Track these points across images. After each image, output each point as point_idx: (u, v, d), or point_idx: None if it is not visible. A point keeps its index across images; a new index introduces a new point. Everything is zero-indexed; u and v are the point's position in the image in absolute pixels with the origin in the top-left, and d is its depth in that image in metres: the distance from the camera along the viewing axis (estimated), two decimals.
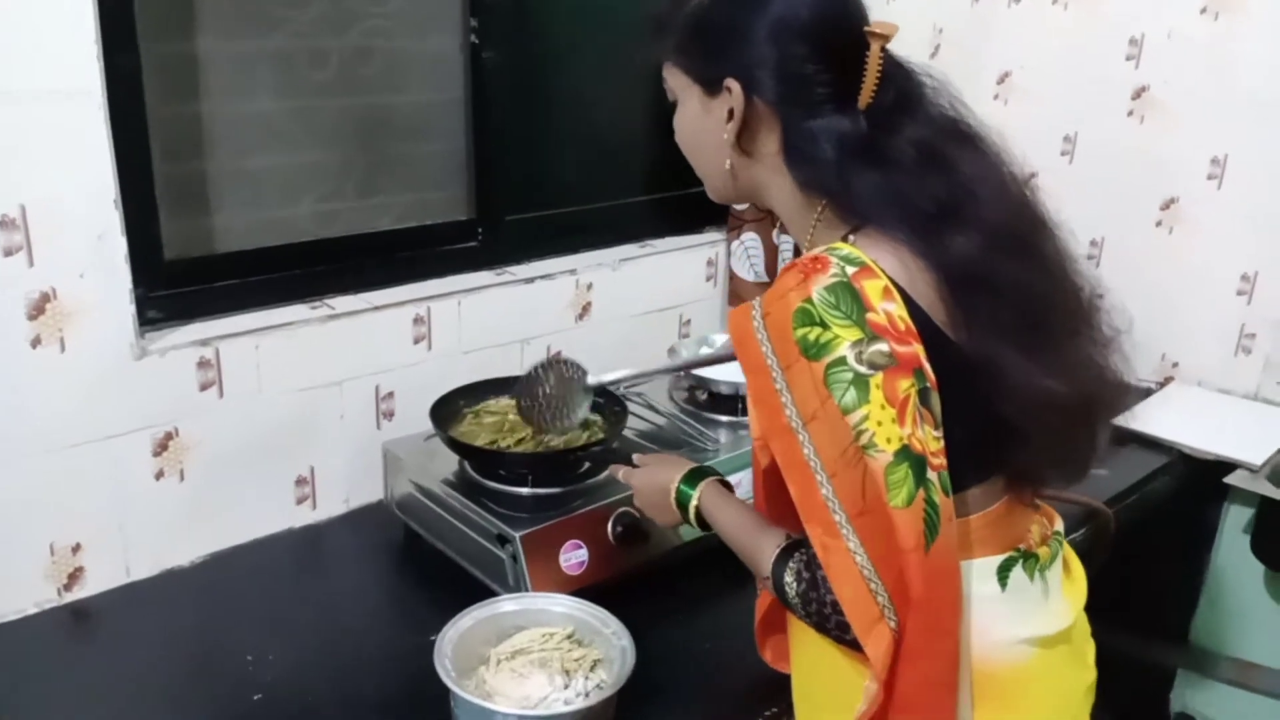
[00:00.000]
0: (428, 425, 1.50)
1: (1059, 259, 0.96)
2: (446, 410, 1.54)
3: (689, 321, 2.07)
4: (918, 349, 0.85)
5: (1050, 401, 0.89)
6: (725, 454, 1.56)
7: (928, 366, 0.86)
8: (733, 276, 2.09)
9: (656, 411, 1.68)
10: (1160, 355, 2.20)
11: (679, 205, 2.11)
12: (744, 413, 1.69)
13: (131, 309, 1.36)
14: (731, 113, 0.97)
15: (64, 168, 1.25)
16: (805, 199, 0.98)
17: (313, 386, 1.56)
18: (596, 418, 1.56)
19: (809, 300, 0.86)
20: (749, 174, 1.01)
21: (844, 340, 0.84)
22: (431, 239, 1.76)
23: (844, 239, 0.93)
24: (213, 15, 1.48)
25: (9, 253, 1.24)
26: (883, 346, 0.84)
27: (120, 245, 1.33)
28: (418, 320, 1.65)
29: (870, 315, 0.85)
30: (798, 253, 2.13)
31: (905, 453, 0.83)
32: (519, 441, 1.48)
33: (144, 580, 1.46)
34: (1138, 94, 2.17)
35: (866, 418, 0.83)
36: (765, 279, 2.07)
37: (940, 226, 0.90)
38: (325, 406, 1.58)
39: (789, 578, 0.95)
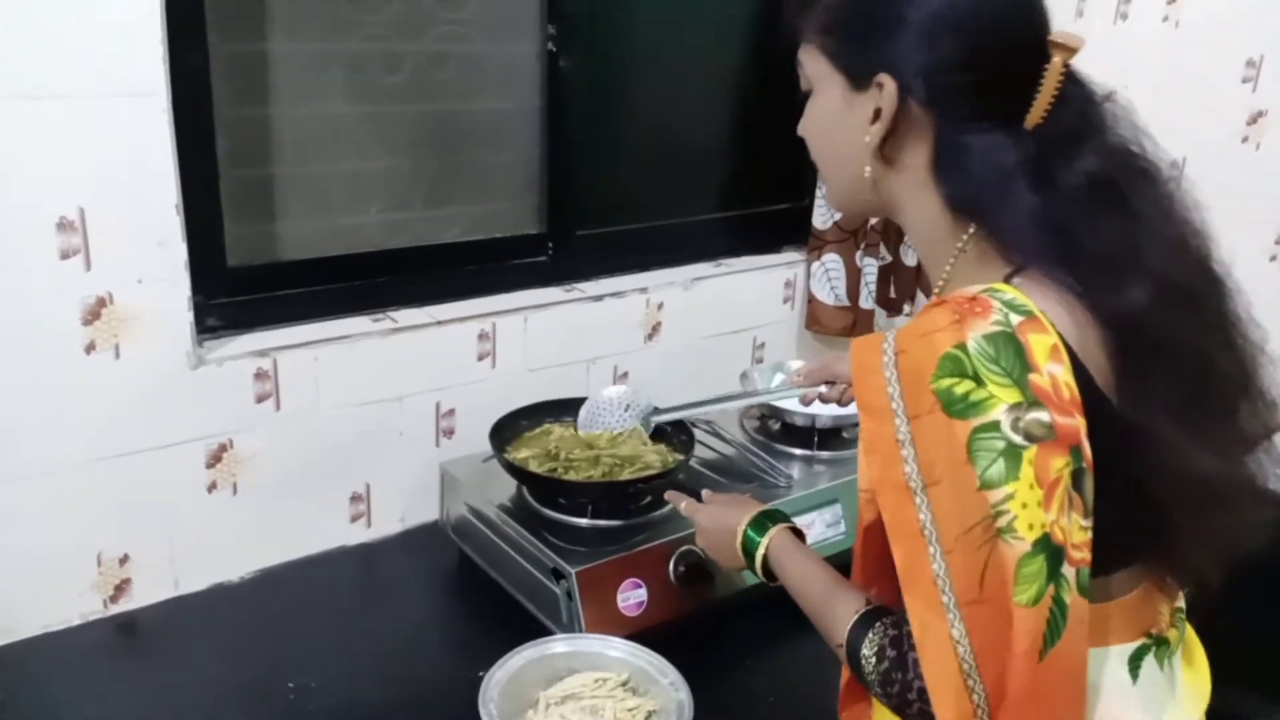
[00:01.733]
0: (488, 445, 1.44)
1: (1230, 321, 0.84)
2: (507, 432, 1.47)
3: (763, 345, 1.98)
4: (1079, 422, 0.73)
5: (1206, 483, 0.77)
6: (798, 491, 1.47)
7: (1086, 445, 0.73)
8: (811, 299, 1.99)
9: (725, 440, 1.60)
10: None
11: (757, 223, 2.03)
12: (820, 447, 1.60)
13: (189, 317, 1.32)
14: (878, 113, 0.84)
15: (125, 170, 1.22)
16: (951, 222, 0.85)
17: (372, 401, 1.51)
18: (660, 447, 1.48)
19: (962, 347, 0.73)
20: (886, 185, 0.88)
21: (1000, 402, 0.72)
22: (500, 252, 1.70)
23: (1006, 280, 0.79)
24: (285, 16, 1.44)
25: (66, 255, 1.20)
26: (1043, 416, 0.71)
27: (181, 252, 1.29)
28: (482, 336, 1.59)
29: (1034, 377, 0.72)
30: (886, 279, 2.06)
31: (1044, 543, 0.72)
32: (579, 467, 1.40)
33: (192, 595, 1.42)
34: (1254, 119, 2.02)
35: (1010, 497, 0.71)
36: (845, 303, 1.97)
37: (1114, 275, 0.78)
38: (384, 422, 1.53)
39: (867, 650, 0.85)
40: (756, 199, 2.02)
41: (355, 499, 1.54)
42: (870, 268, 1.94)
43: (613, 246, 1.82)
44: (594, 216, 1.79)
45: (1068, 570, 0.73)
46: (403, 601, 1.44)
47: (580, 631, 1.24)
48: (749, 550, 1.08)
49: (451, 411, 1.60)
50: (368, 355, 1.48)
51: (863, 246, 1.93)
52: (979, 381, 0.72)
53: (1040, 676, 0.73)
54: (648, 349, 1.80)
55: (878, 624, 0.86)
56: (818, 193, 1.93)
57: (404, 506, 1.60)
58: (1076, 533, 0.73)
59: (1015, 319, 0.74)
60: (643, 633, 1.26)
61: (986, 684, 0.73)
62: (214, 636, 1.34)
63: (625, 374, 1.78)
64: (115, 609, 1.37)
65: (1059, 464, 0.72)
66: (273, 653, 1.31)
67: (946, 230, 0.86)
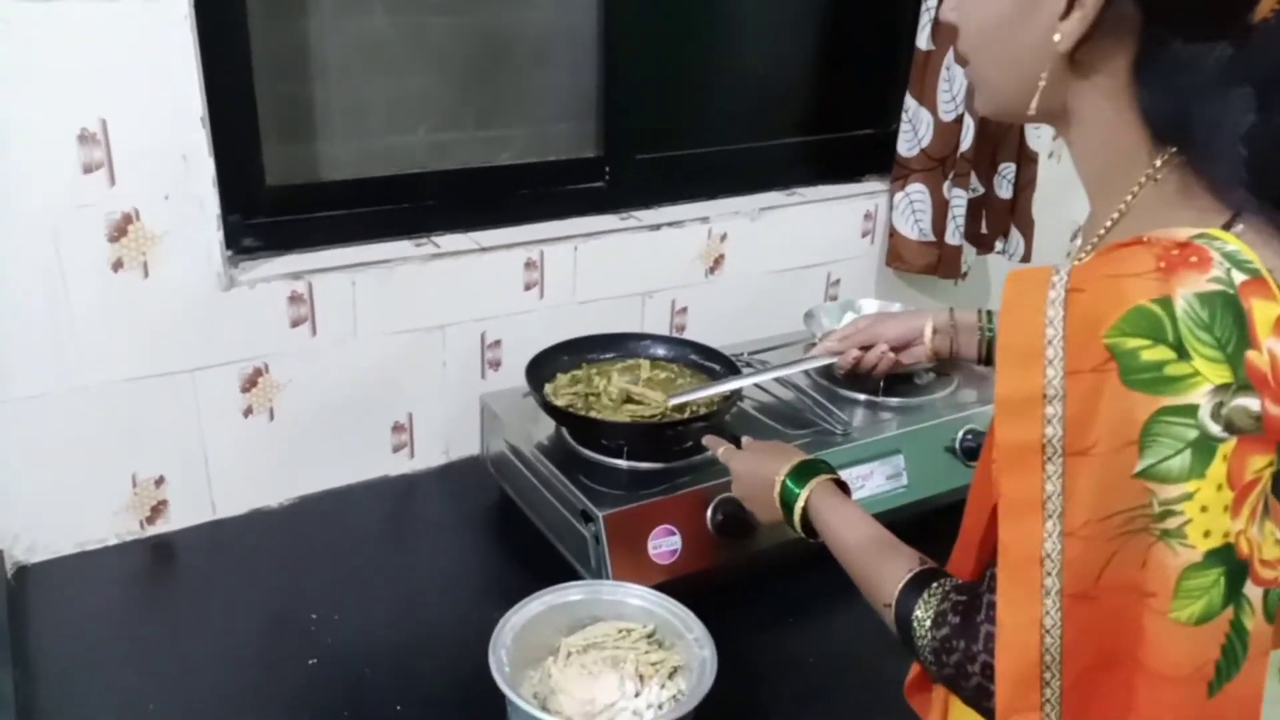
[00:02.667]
0: None
1: None
2: (547, 367, 1.40)
3: (838, 282, 1.85)
4: None
5: None
6: (858, 439, 1.36)
7: None
8: (893, 233, 1.85)
9: (781, 383, 1.49)
10: None
11: (834, 149, 1.89)
12: (886, 392, 1.48)
13: (219, 236, 1.28)
14: (1070, 6, 0.69)
15: (148, 81, 1.17)
16: (1141, 144, 0.71)
17: (412, 329, 1.45)
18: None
19: (1166, 304, 0.60)
20: (1063, 92, 0.74)
21: (1204, 383, 0.59)
22: (552, 177, 1.61)
23: (1225, 228, 0.65)
24: None
25: (89, 169, 1.17)
26: (1252, 403, 0.59)
27: (208, 168, 1.24)
28: (529, 265, 1.52)
29: (1251, 354, 0.60)
30: (976, 212, 1.90)
31: (1224, 555, 0.60)
32: (619, 406, 1.32)
33: (230, 519, 1.40)
34: None
35: (1188, 497, 0.59)
36: (930, 238, 1.82)
37: None
38: (426, 352, 1.48)
39: (921, 612, 0.76)
40: (834, 123, 1.87)
41: (398, 429, 1.50)
42: (959, 200, 1.79)
43: (673, 172, 1.71)
44: (654, 140, 1.68)
45: (1252, 591, 0.61)
46: (437, 537, 1.40)
47: (607, 578, 1.17)
48: (787, 502, 0.99)
49: (498, 343, 1.53)
50: (408, 281, 1.43)
51: (951, 176, 1.77)
52: (1181, 352, 0.59)
53: (1207, 714, 0.62)
54: (708, 284, 1.70)
55: (934, 585, 0.76)
56: (903, 116, 1.78)
57: (448, 439, 1.55)
58: (1270, 547, 0.61)
59: (1239, 278, 0.60)
60: (675, 582, 1.19)
61: (1066, 681, 0.63)
62: (245, 564, 1.33)
63: (683, 309, 1.69)
64: (152, 530, 1.36)
65: (1259, 464, 0.60)
66: (302, 581, 1.29)
67: (1133, 153, 0.72)
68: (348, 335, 1.41)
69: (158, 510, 1.35)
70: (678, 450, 1.29)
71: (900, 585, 0.80)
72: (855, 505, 0.94)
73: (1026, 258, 1.91)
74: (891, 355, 1.38)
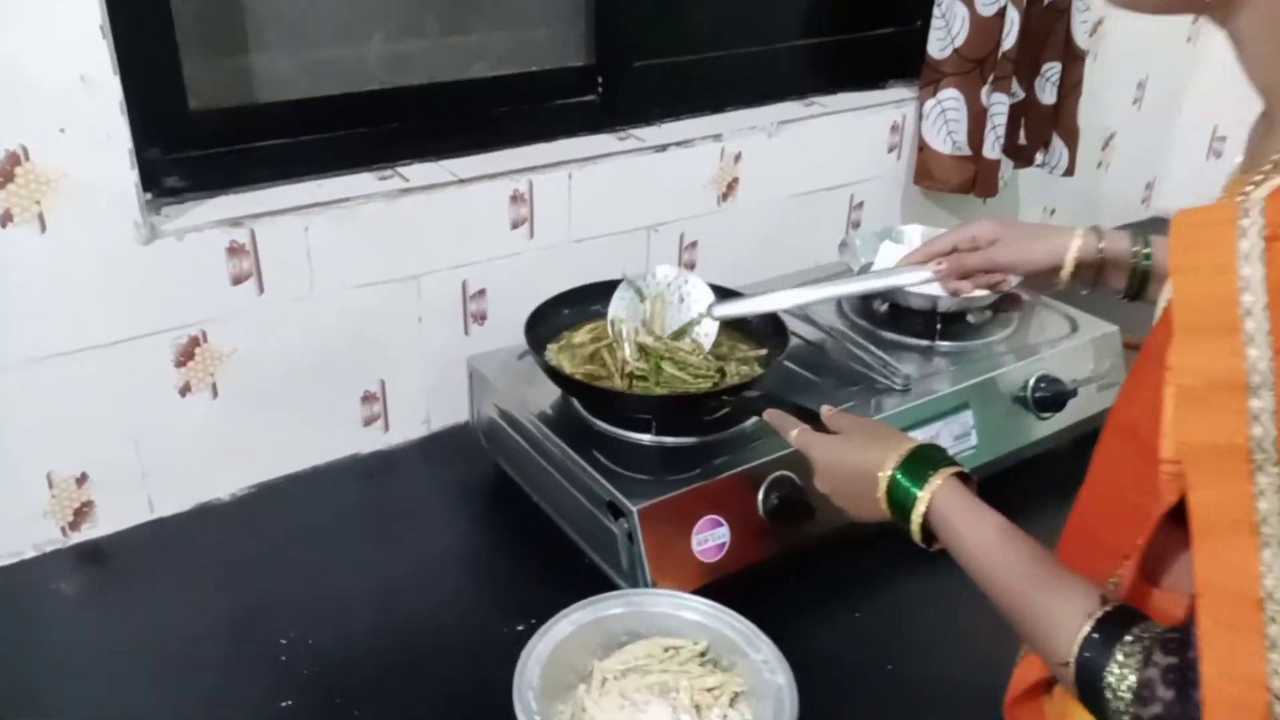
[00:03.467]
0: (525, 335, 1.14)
1: None
2: (546, 325, 1.17)
3: (861, 205, 1.63)
4: None
5: None
6: (918, 395, 1.15)
7: None
8: (923, 147, 1.62)
9: (817, 327, 1.27)
10: None
11: (856, 51, 1.64)
12: (943, 336, 1.27)
13: (134, 176, 1.02)
14: None
15: None
16: None
17: (380, 281, 1.21)
18: (749, 350, 1.17)
19: None
20: None
21: None
22: (537, 91, 1.36)
23: None
24: None
25: None
26: None
27: (113, 89, 0.98)
28: (516, 198, 1.27)
29: None
30: (1015, 121, 1.67)
31: None
32: (637, 373, 1.10)
33: (172, 518, 1.17)
34: None
35: None
36: (965, 151, 1.60)
37: None
38: (397, 307, 1.23)
39: (1117, 677, 0.56)
40: (856, 21, 1.63)
41: (368, 399, 1.27)
42: (999, 106, 1.56)
43: (679, 82, 1.46)
44: (655, 44, 1.42)
45: None
46: (424, 526, 1.18)
47: (646, 583, 0.96)
48: (901, 504, 0.78)
49: (482, 292, 1.29)
50: (372, 223, 1.18)
51: (990, 80, 1.54)
52: None
53: None
54: (722, 212, 1.46)
55: (1127, 638, 0.57)
56: (935, 11, 1.54)
57: (429, 406, 1.32)
58: None
59: None
60: (723, 580, 0.99)
61: None
62: (196, 568, 1.10)
63: (694, 243, 1.45)
64: (78, 537, 1.12)
65: None
66: (264, 590, 1.07)
67: None
68: (302, 292, 1.16)
69: (82, 513, 1.11)
70: (710, 423, 1.08)
71: (1081, 637, 0.59)
72: (992, 511, 0.74)
73: (1070, 171, 1.70)
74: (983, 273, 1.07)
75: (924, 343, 1.26)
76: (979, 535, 0.71)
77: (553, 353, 1.14)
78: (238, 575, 1.09)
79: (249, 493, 1.21)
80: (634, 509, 0.95)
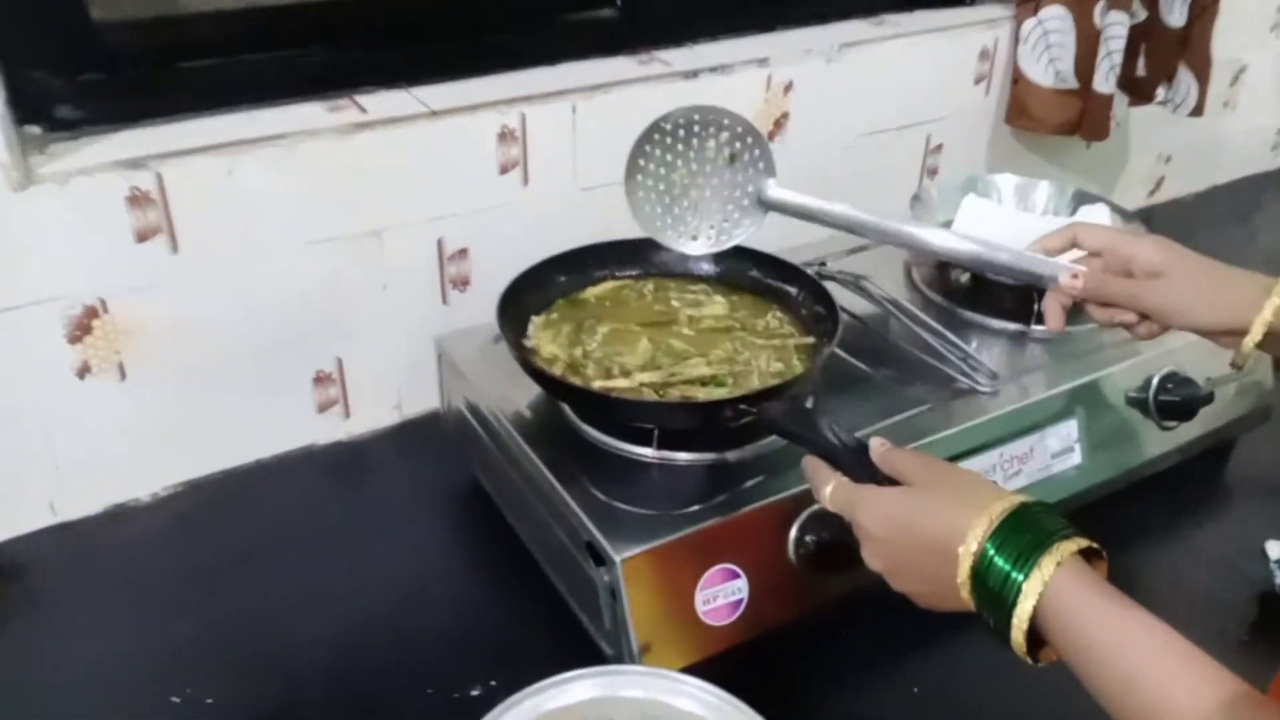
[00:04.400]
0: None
1: None
2: (531, 297, 0.92)
3: (939, 149, 1.34)
4: None
5: None
6: (1009, 399, 0.89)
7: None
8: (1018, 78, 1.33)
9: (872, 299, 1.01)
10: None
11: None
12: (1041, 319, 1.00)
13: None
14: None
15: None
16: None
17: (333, 237, 0.97)
18: (786, 330, 0.91)
19: None
20: None
21: None
22: (538, 2, 1.10)
23: None
24: None
25: None
26: None
27: None
28: (506, 135, 1.02)
29: None
30: (1134, 48, 1.30)
31: None
32: (640, 358, 0.85)
33: (79, 522, 0.96)
34: None
35: None
36: (1071, 84, 1.30)
37: None
38: (356, 269, 1.00)
39: None
40: None
41: (322, 380, 1.04)
42: (1116, 28, 1.26)
43: None
44: None
45: None
46: (382, 546, 0.95)
47: (631, 655, 0.73)
48: (996, 596, 0.53)
49: (463, 253, 1.05)
50: (321, 164, 0.94)
51: None
52: None
53: None
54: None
55: None
56: None
57: (399, 389, 1.09)
58: None
59: None
60: (737, 650, 0.75)
61: None
62: (111, 586, 0.90)
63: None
64: None
65: None
66: (191, 616, 0.86)
67: None
68: (230, 252, 0.93)
69: None
70: (728, 437, 0.82)
71: None
72: (1143, 610, 0.49)
73: (1198, 110, 1.39)
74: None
75: (1015, 327, 0.99)
76: (1131, 654, 0.46)
77: (537, 328, 0.90)
78: (162, 596, 0.88)
79: (174, 493, 1.00)
80: (617, 559, 0.71)
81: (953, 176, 1.27)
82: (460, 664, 0.81)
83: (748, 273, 0.96)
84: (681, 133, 0.85)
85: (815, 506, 0.77)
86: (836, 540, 0.76)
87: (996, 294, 1.02)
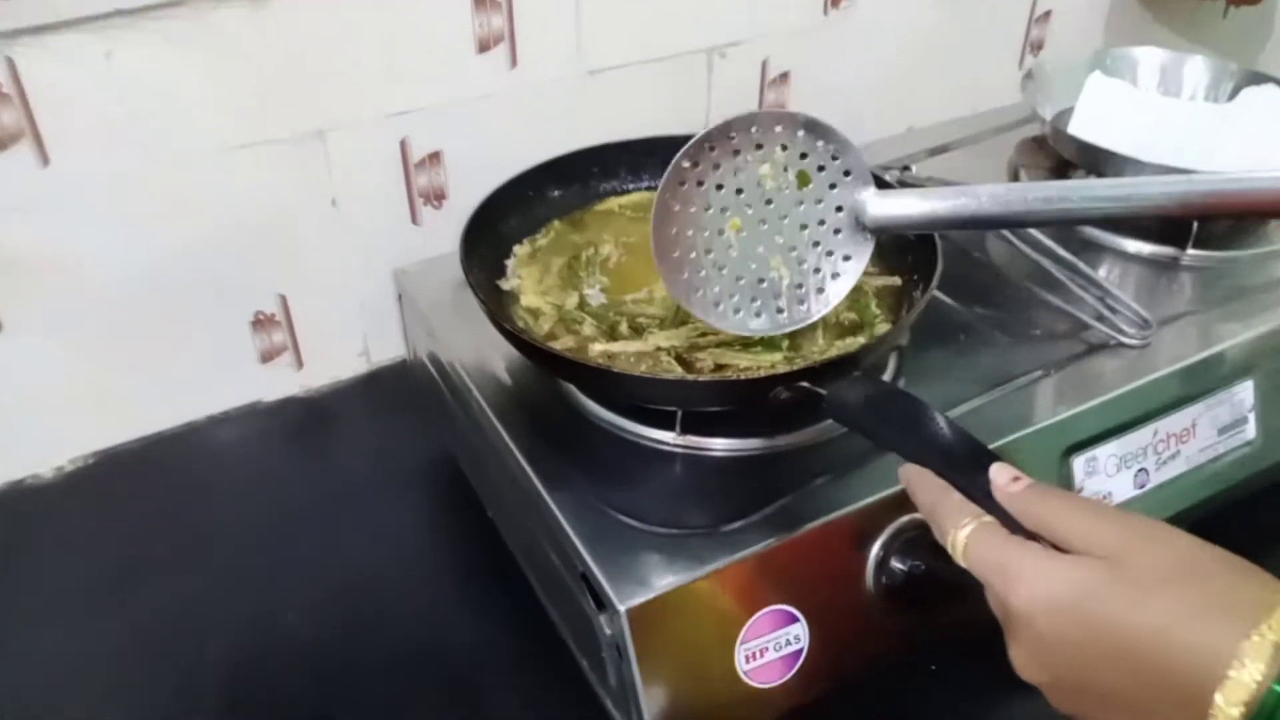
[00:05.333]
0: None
1: None
2: (514, 220, 0.69)
3: (1046, 15, 1.07)
4: None
5: None
6: (1166, 358, 0.65)
7: None
8: None
9: (1005, 239, 0.77)
10: None
11: None
12: (1198, 242, 0.75)
13: None
14: None
15: None
16: None
17: (258, 141, 0.74)
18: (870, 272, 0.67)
19: None
20: None
21: None
22: None
23: None
24: None
25: None
26: None
27: None
28: (484, 1, 0.77)
29: None
30: None
31: None
32: (661, 317, 0.62)
33: None
34: None
35: None
36: None
37: None
38: (295, 181, 0.77)
39: None
40: None
41: (262, 324, 0.83)
42: None
43: None
44: None
45: None
46: (332, 528, 0.75)
47: None
48: None
49: (435, 158, 0.82)
50: (233, 43, 0.70)
51: None
52: None
53: None
54: (828, 27, 0.93)
55: None
56: None
57: (364, 331, 0.87)
58: None
59: None
60: (796, 717, 0.54)
61: None
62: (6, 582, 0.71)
63: (783, 75, 0.94)
64: None
65: None
66: (111, 614, 0.67)
67: None
68: (122, 162, 0.70)
69: None
70: (780, 419, 0.59)
71: None
72: None
73: None
74: None
75: (1167, 252, 0.74)
76: None
77: (519, 262, 0.67)
78: (48, 603, 0.69)
79: (85, 465, 0.80)
80: (622, 608, 0.49)
81: (1064, 51, 1.00)
82: (421, 708, 0.61)
83: None
84: (717, 167, 0.52)
85: (906, 517, 0.55)
86: (934, 569, 0.54)
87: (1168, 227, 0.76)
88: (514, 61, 0.80)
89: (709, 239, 0.53)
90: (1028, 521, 0.39)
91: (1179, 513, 0.64)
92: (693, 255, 0.53)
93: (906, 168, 0.78)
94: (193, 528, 0.75)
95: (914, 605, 0.56)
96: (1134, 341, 0.65)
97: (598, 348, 0.58)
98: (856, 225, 0.54)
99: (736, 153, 0.52)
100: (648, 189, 0.73)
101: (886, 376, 0.63)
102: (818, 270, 0.55)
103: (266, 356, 0.84)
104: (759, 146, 0.52)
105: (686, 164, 0.51)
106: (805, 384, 0.51)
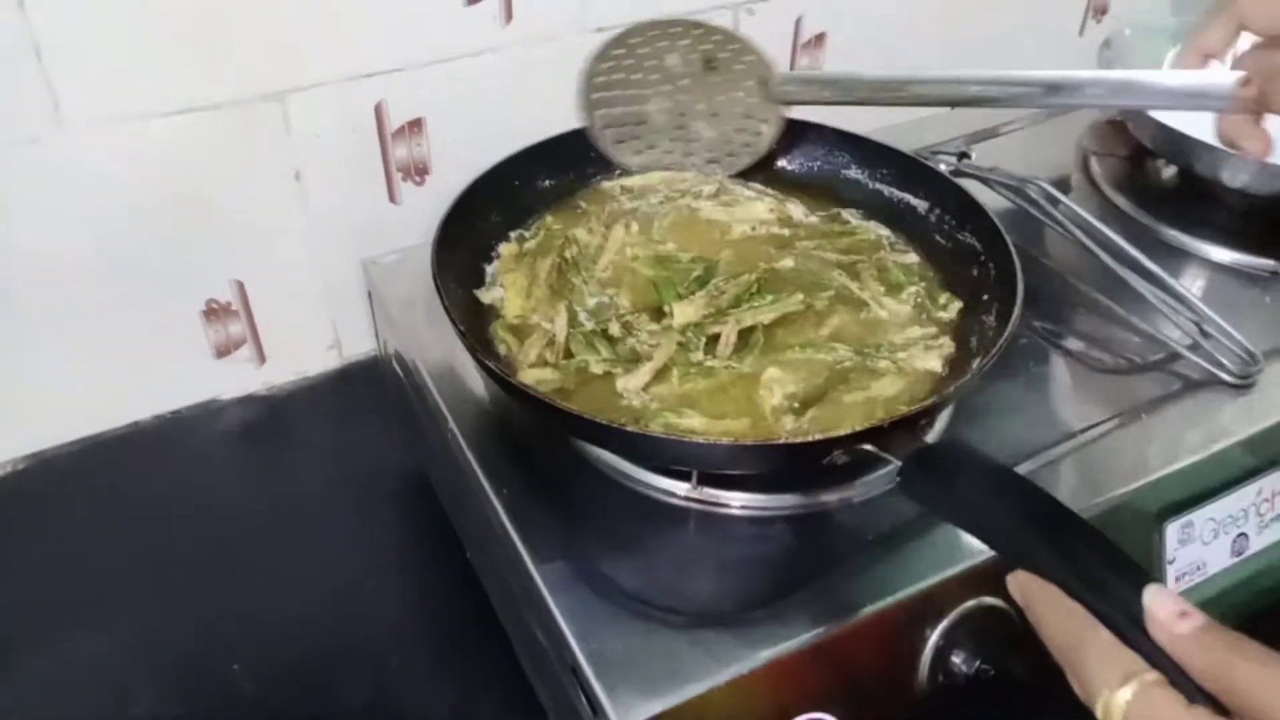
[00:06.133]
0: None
1: None
2: (497, 215, 0.58)
3: None
4: None
5: None
6: (1264, 416, 0.54)
7: None
8: None
9: (1039, 215, 0.66)
10: None
11: None
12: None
13: None
14: None
15: None
16: None
17: (206, 105, 0.63)
18: (911, 276, 0.56)
19: None
20: None
21: None
22: None
23: None
24: None
25: None
26: None
27: None
28: None
29: None
30: None
31: None
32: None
33: None
34: None
35: None
36: None
37: None
38: (250, 151, 0.66)
39: None
40: None
41: (215, 313, 0.72)
42: None
43: None
44: None
45: None
46: (291, 551, 0.65)
47: None
48: None
49: (417, 125, 0.71)
50: None
51: None
52: None
53: None
54: None
55: None
56: None
57: (335, 322, 0.77)
58: None
59: None
60: None
61: None
62: None
63: (819, 36, 0.82)
64: None
65: None
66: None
67: None
68: (39, 126, 0.59)
69: None
70: (814, 474, 0.49)
71: None
72: None
73: None
74: None
75: (1265, 264, 0.64)
76: None
77: (508, 260, 0.56)
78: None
79: (11, 471, 0.70)
80: (610, 713, 0.40)
81: (1144, 17, 0.88)
82: None
83: (840, 173, 0.61)
84: (629, 60, 0.62)
85: (973, 601, 0.45)
86: (1011, 666, 0.44)
87: (1223, 202, 0.66)
88: (508, 16, 0.69)
89: (636, 113, 0.62)
90: (1209, 682, 0.28)
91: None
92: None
93: (965, 154, 0.67)
94: (127, 552, 0.65)
95: (972, 701, 0.46)
96: (1236, 380, 0.55)
97: (622, 382, 0.48)
98: (766, 97, 0.61)
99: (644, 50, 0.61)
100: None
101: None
102: (740, 130, 0.62)
103: (223, 350, 0.74)
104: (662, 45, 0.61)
105: (603, 64, 0.61)
106: (869, 447, 0.40)
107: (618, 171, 0.63)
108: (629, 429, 0.43)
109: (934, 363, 0.50)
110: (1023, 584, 0.33)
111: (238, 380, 0.76)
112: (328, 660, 0.59)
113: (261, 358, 0.75)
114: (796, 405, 0.47)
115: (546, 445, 0.51)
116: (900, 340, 0.51)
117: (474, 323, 0.51)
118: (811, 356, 0.49)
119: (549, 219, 0.59)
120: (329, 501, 0.69)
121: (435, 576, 0.63)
